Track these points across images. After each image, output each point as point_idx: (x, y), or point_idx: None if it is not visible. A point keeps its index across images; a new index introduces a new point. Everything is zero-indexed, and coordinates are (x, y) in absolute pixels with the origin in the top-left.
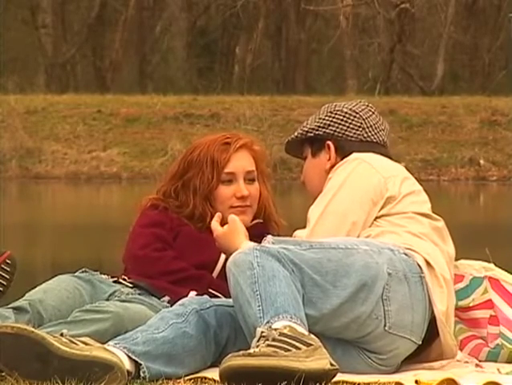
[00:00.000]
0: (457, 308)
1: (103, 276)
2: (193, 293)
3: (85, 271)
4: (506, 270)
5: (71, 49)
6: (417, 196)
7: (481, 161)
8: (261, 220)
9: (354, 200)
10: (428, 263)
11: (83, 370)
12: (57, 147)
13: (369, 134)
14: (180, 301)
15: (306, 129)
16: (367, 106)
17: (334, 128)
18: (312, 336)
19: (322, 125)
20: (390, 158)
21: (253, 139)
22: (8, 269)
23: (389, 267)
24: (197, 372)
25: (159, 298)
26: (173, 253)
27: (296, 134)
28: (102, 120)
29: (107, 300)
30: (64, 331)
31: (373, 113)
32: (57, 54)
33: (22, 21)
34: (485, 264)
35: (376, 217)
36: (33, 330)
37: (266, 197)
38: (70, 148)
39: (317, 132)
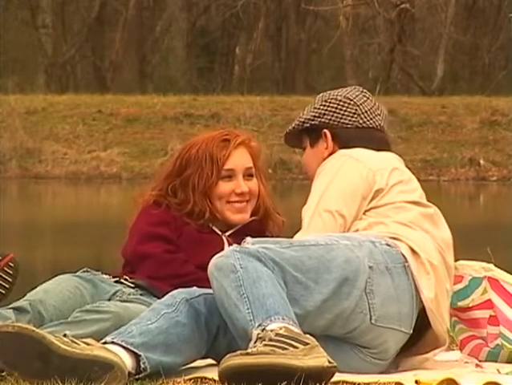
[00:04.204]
0: (457, 308)
1: (104, 276)
2: None
3: (86, 271)
4: (507, 271)
5: (71, 49)
6: (405, 186)
7: (481, 161)
8: (256, 218)
9: (344, 196)
10: (413, 251)
11: (83, 369)
12: (57, 147)
13: (365, 120)
14: (169, 293)
15: (302, 120)
16: (362, 91)
17: (329, 117)
18: (308, 336)
19: (317, 115)
20: (387, 143)
21: (249, 136)
22: (11, 272)
23: (370, 260)
24: (193, 363)
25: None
26: (184, 256)
27: (293, 125)
28: (102, 120)
29: (109, 300)
30: (67, 332)
31: (368, 98)
32: (57, 54)
33: (22, 21)
34: (485, 264)
35: (365, 210)
36: (34, 329)
37: (262, 193)
38: (70, 148)
39: (313, 122)
